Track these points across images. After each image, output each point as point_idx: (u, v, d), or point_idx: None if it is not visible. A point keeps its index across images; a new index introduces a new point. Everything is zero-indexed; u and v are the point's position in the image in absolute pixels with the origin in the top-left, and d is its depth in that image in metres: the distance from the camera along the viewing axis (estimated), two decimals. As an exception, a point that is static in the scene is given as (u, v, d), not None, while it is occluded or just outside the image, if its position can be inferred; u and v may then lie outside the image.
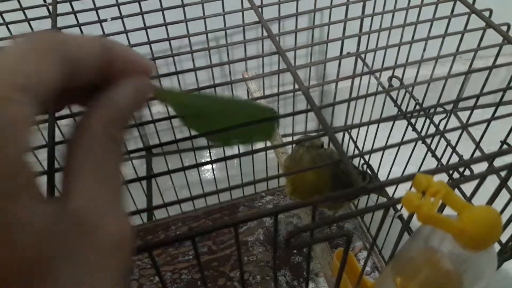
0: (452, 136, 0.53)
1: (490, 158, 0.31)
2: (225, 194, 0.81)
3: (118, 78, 0.20)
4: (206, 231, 0.23)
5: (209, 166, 0.89)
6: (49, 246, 0.14)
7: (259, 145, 0.97)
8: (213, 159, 0.30)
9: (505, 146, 0.46)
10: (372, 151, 0.33)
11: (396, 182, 0.26)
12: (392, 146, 0.33)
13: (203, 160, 0.91)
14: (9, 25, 0.48)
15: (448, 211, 0.25)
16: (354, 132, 0.77)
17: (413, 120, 0.60)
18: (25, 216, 0.14)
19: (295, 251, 0.73)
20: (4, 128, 0.14)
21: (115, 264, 0.16)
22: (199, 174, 0.80)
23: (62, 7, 0.46)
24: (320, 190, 0.55)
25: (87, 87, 0.20)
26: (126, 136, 0.20)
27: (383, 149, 0.32)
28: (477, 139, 0.50)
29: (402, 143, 0.34)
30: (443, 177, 0.50)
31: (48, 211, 0.15)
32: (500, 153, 0.29)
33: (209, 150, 0.83)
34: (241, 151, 0.87)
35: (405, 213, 0.63)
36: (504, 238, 0.39)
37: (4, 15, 0.49)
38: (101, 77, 0.20)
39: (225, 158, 0.35)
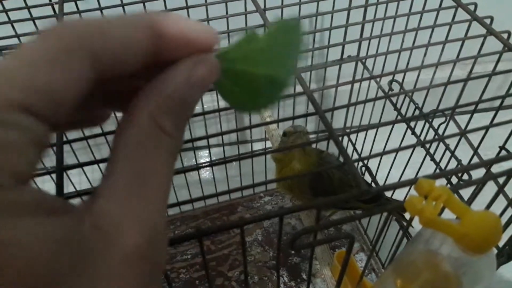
0: (451, 140, 0.53)
1: (489, 164, 0.32)
2: (224, 195, 0.81)
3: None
4: (213, 231, 0.24)
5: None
6: (57, 263, 0.13)
7: (258, 147, 0.97)
8: (212, 160, 0.30)
9: (503, 152, 0.47)
10: (371, 156, 0.34)
11: (399, 186, 0.26)
12: (391, 151, 0.34)
13: (201, 160, 0.92)
14: (14, 24, 0.48)
15: (446, 214, 0.25)
16: (352, 134, 0.78)
17: (412, 123, 0.61)
18: (23, 235, 0.12)
19: (293, 252, 0.73)
20: None
21: (134, 277, 0.14)
22: (198, 174, 0.81)
23: (67, 6, 0.46)
24: (302, 182, 0.56)
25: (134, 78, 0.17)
26: (184, 127, 0.16)
27: (382, 154, 0.33)
28: (476, 142, 0.51)
29: (401, 148, 0.35)
30: (441, 181, 0.51)
31: (59, 225, 0.13)
32: (499, 159, 0.29)
33: (209, 150, 0.84)
34: (240, 151, 0.87)
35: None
36: (500, 242, 0.40)
37: (9, 13, 0.49)
38: (153, 64, 0.16)
39: (225, 161, 0.35)
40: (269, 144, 0.72)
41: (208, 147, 0.84)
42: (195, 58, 0.16)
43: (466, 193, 0.34)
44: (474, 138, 0.51)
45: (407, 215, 0.60)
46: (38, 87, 0.13)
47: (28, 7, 0.49)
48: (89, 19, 0.14)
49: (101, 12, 0.49)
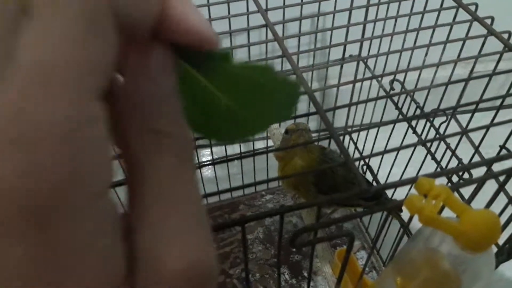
0: (452, 139, 0.54)
1: (489, 162, 0.32)
2: (226, 193, 0.82)
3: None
4: (214, 229, 0.24)
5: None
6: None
7: (261, 145, 0.97)
8: (214, 158, 0.31)
9: (503, 151, 0.47)
10: (372, 155, 0.34)
11: (399, 184, 0.27)
12: (392, 150, 0.34)
13: (203, 158, 0.92)
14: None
15: (446, 212, 0.26)
16: (354, 132, 0.78)
17: (413, 122, 0.61)
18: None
19: (294, 249, 0.74)
20: (85, 168, 0.10)
21: None
22: (200, 171, 0.81)
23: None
24: (306, 179, 0.56)
25: None
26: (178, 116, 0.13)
27: (383, 153, 0.33)
28: (477, 141, 0.51)
29: (402, 147, 0.35)
30: (442, 180, 0.51)
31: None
32: (499, 158, 0.30)
33: (211, 148, 0.84)
34: (242, 150, 0.87)
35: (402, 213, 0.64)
36: (500, 240, 0.40)
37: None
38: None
39: (227, 160, 0.36)
40: (270, 142, 0.72)
41: (210, 145, 0.84)
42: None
43: (467, 191, 0.35)
44: (475, 137, 0.52)
45: (404, 216, 0.61)
46: (105, 67, 0.11)
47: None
48: None
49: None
